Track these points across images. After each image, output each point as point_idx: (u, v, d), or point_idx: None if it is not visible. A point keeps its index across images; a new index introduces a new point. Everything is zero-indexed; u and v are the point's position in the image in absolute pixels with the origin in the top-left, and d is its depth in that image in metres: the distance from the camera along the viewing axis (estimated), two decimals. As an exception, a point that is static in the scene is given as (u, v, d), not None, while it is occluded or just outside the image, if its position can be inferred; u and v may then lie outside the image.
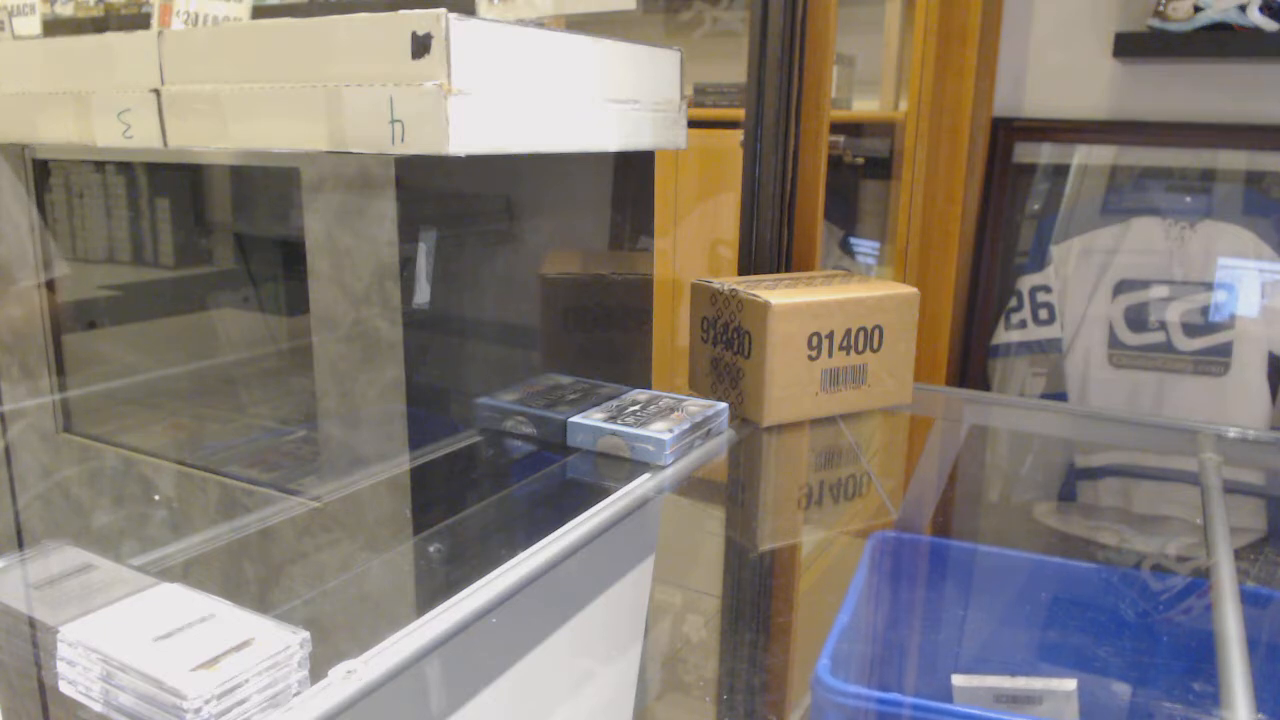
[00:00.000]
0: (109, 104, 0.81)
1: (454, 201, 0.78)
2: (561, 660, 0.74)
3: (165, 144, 0.79)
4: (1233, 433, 0.99)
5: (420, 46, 0.64)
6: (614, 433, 0.80)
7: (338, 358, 0.75)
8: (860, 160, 1.92)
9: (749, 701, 0.99)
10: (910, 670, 1.03)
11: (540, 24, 0.76)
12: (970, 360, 1.64)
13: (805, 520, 1.06)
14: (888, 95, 1.86)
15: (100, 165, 1.02)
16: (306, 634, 0.50)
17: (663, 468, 0.79)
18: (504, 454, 0.85)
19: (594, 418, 0.82)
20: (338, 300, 0.74)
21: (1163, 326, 1.51)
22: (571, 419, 0.82)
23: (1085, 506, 1.26)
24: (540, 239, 0.88)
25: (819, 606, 1.06)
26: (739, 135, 1.18)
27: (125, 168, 1.04)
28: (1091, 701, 0.89)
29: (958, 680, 0.88)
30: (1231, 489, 0.87)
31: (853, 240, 1.97)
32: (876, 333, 0.96)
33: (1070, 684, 0.86)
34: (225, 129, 0.75)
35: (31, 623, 0.52)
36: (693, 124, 0.94)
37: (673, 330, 1.35)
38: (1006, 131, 1.62)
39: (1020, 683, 0.87)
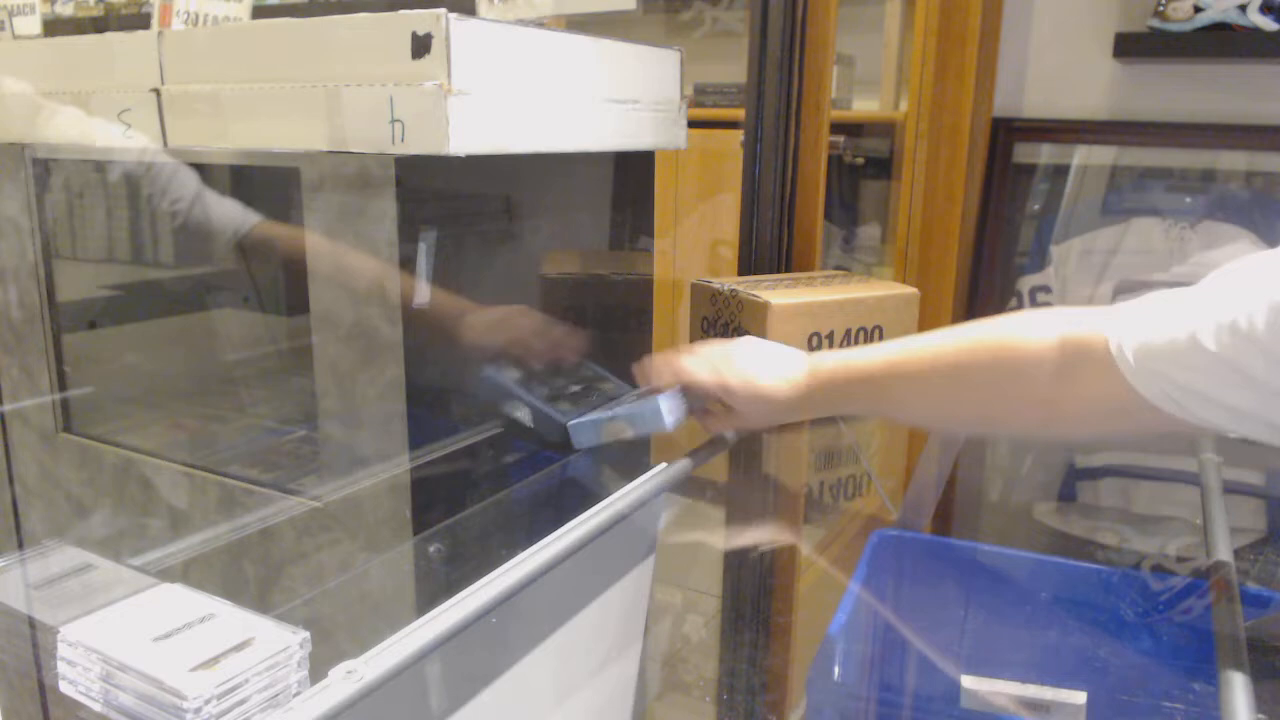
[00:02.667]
0: (109, 104, 0.81)
1: (454, 201, 0.78)
2: (562, 660, 0.74)
3: (165, 144, 0.79)
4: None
5: (420, 46, 0.64)
6: (612, 418, 0.79)
7: (338, 358, 0.75)
8: (860, 160, 1.92)
9: (749, 701, 0.99)
10: (909, 669, 1.03)
11: (540, 24, 0.76)
12: (970, 360, 1.64)
13: (805, 520, 1.06)
14: (888, 95, 1.86)
15: (100, 165, 1.02)
16: (306, 634, 0.50)
17: (667, 433, 0.78)
18: (504, 454, 0.85)
19: (591, 415, 0.81)
20: (338, 300, 0.74)
21: (1163, 326, 1.51)
22: (572, 422, 0.82)
23: (1085, 506, 1.26)
24: (540, 239, 0.88)
25: (819, 606, 1.06)
26: (739, 135, 1.18)
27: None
28: (1091, 701, 0.89)
29: (967, 682, 0.88)
30: (1231, 489, 0.87)
31: (853, 240, 1.96)
32: (876, 333, 0.96)
33: (1080, 696, 0.85)
34: (225, 129, 0.75)
35: (31, 623, 0.52)
36: (693, 124, 0.94)
37: (673, 330, 1.35)
38: (1006, 132, 1.62)
39: (1030, 690, 0.86)
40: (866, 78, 1.91)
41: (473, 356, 0.83)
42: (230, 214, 0.96)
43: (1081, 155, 1.59)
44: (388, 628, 0.54)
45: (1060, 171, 1.60)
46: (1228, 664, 0.59)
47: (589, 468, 0.92)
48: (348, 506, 0.77)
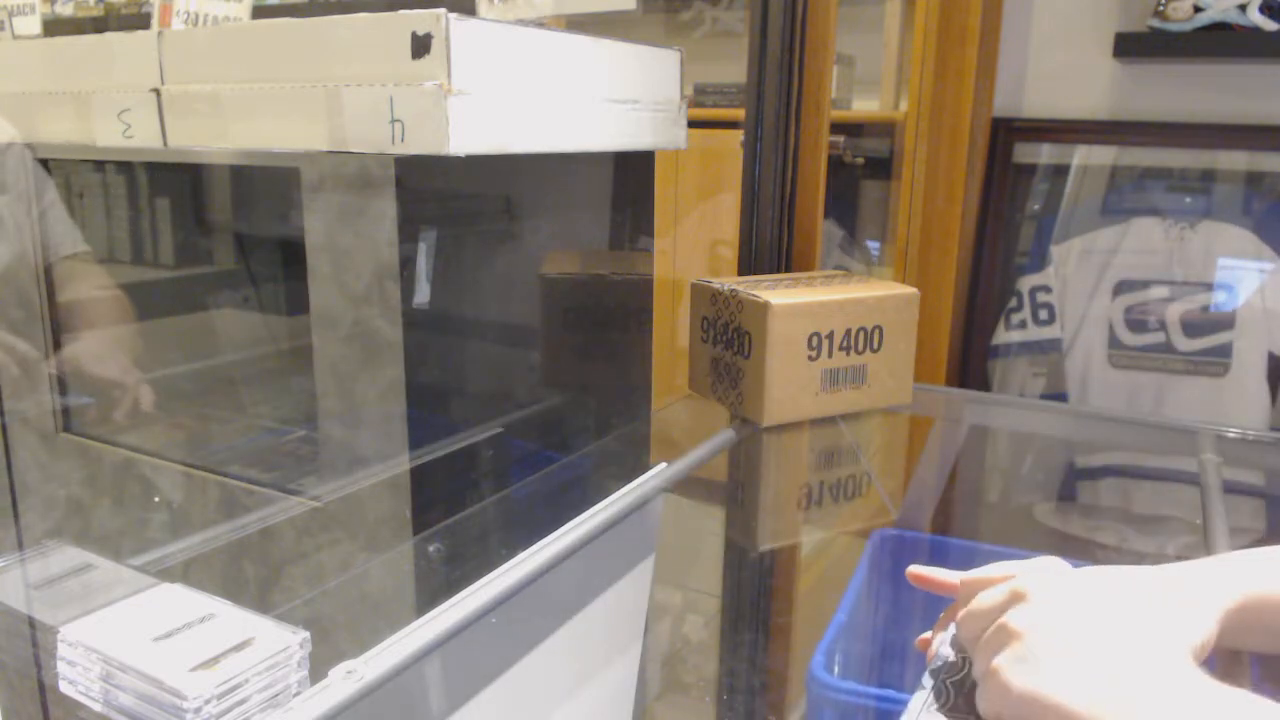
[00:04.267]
0: (109, 104, 0.81)
1: (454, 201, 0.78)
2: (561, 660, 0.74)
3: (165, 144, 0.79)
4: (1233, 433, 0.99)
5: (420, 46, 0.64)
6: None
7: (338, 358, 0.75)
8: (860, 160, 1.92)
9: (749, 701, 0.99)
10: (909, 668, 1.03)
11: (540, 24, 0.76)
12: (970, 360, 1.64)
13: (805, 520, 1.06)
14: (888, 95, 1.86)
15: (100, 165, 1.02)
16: (306, 634, 0.50)
17: None
18: (504, 454, 0.85)
19: None
20: (338, 300, 0.74)
21: (1163, 327, 1.51)
22: None
23: (1085, 506, 1.26)
24: (540, 239, 0.88)
25: (819, 606, 1.06)
26: (739, 135, 1.18)
27: (125, 168, 1.04)
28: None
29: None
30: (1231, 489, 0.87)
31: (852, 240, 1.96)
32: (876, 333, 0.96)
33: None
34: (225, 129, 0.75)
35: (31, 623, 0.52)
36: (693, 124, 0.94)
37: (673, 330, 1.35)
38: (1006, 131, 1.62)
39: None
40: (866, 78, 1.91)
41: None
42: (63, 234, 0.98)
43: (1081, 155, 1.59)
44: (388, 628, 0.54)
45: (1060, 171, 1.60)
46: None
47: (589, 468, 0.92)
48: (348, 506, 0.77)
